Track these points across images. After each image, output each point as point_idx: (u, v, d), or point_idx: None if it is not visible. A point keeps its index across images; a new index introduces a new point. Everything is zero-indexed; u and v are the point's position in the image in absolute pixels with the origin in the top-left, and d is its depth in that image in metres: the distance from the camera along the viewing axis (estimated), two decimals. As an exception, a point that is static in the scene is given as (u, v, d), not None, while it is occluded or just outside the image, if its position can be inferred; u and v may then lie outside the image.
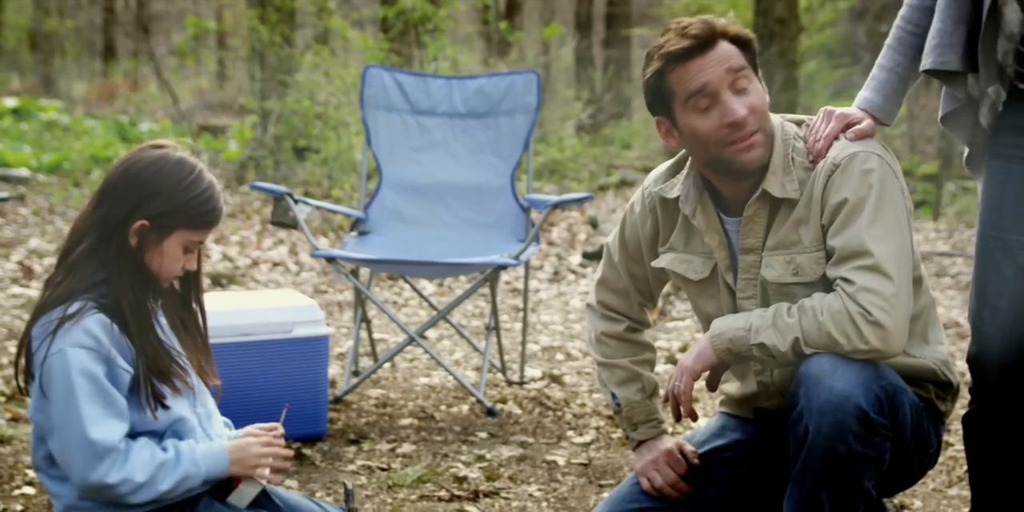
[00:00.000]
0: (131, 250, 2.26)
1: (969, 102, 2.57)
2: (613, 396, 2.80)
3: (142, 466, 2.19)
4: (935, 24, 2.52)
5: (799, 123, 2.56)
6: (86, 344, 2.19)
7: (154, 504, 2.23)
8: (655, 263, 2.67)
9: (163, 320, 2.36)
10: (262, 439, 2.34)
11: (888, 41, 2.66)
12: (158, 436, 2.28)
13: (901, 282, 2.37)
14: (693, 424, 3.84)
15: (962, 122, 2.61)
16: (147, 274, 2.29)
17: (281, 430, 2.39)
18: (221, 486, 2.32)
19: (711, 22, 2.44)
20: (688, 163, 2.59)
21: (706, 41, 2.42)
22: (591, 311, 2.85)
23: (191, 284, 2.41)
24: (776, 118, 2.53)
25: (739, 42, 2.44)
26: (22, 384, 2.27)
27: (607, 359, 2.80)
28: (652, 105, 2.52)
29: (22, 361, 2.26)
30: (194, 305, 2.42)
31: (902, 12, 2.65)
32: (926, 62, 2.52)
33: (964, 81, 2.53)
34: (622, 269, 2.77)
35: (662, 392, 2.62)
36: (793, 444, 2.33)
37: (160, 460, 2.21)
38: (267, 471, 2.35)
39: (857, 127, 2.50)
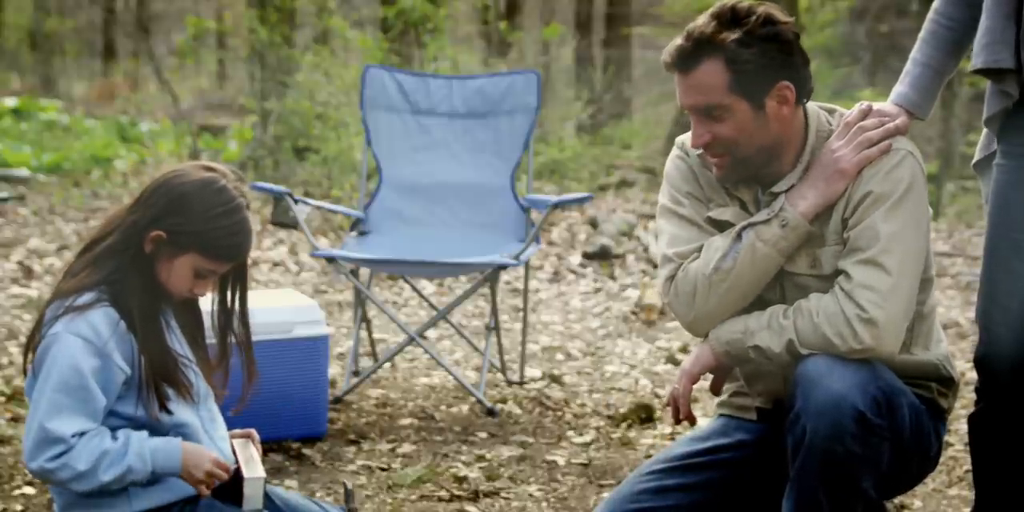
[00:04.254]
0: (145, 256, 2.28)
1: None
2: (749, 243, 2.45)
3: (86, 455, 2.19)
4: (984, 22, 2.50)
5: (831, 111, 2.54)
6: (85, 335, 2.21)
7: (98, 491, 2.22)
8: (718, 214, 2.53)
9: (177, 327, 2.37)
10: (220, 466, 2.29)
11: (922, 35, 2.63)
12: (161, 436, 2.28)
13: (901, 278, 2.37)
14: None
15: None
16: (157, 283, 2.30)
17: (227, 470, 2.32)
18: (231, 486, 2.31)
19: (706, 32, 2.37)
20: None
21: (689, 58, 2.39)
22: (671, 277, 2.51)
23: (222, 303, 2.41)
24: (812, 108, 2.51)
25: (732, 60, 2.36)
26: (28, 363, 2.28)
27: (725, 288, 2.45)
28: None
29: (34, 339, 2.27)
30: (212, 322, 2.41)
31: (935, 5, 2.63)
32: (977, 61, 2.50)
33: (1016, 79, 2.50)
34: (694, 216, 2.55)
35: (663, 393, 2.60)
36: (791, 445, 2.33)
37: (103, 449, 2.20)
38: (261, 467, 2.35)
39: (891, 124, 2.46)
